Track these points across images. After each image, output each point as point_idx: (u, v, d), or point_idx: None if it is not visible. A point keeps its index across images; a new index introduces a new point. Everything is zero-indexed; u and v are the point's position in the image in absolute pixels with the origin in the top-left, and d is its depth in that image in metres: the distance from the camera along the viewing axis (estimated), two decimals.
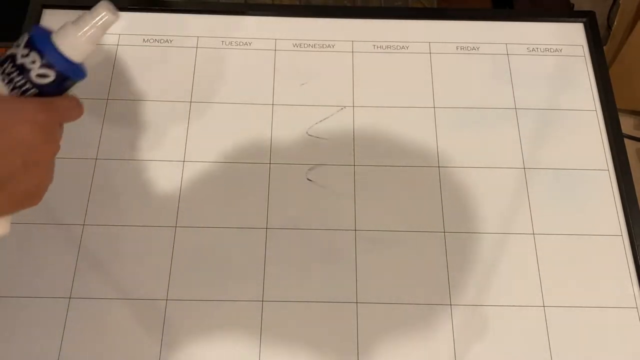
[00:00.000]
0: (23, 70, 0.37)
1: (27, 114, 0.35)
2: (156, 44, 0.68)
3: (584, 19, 0.71)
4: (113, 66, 0.66)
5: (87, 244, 0.57)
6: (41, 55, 0.38)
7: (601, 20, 1.26)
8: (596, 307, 0.56)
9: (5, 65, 0.37)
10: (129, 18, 0.70)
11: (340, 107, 0.65)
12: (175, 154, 0.62)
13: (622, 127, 0.64)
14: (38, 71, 0.37)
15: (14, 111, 0.35)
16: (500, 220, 0.59)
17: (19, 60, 0.37)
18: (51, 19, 0.69)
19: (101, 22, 0.40)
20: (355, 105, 0.65)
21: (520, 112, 0.65)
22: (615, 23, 1.17)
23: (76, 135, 0.62)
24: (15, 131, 0.34)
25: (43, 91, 0.38)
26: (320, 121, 0.64)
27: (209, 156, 0.62)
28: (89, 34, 0.40)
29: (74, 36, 0.39)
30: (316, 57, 0.68)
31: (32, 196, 0.38)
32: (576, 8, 1.11)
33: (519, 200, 0.60)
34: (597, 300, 0.56)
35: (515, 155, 0.63)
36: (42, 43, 0.38)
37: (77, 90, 0.65)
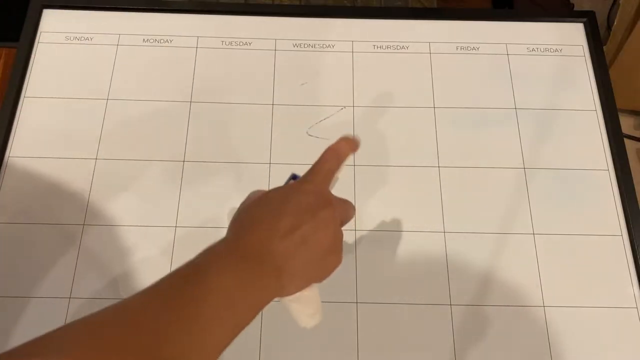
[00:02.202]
0: None
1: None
2: (156, 44, 0.68)
3: (584, 19, 0.71)
4: (113, 66, 0.66)
5: (87, 244, 0.57)
6: None
7: (601, 20, 1.26)
8: (596, 307, 0.56)
9: None
10: (129, 18, 0.70)
11: (340, 107, 0.65)
12: (175, 154, 0.62)
13: (622, 127, 0.64)
14: None
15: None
16: (500, 220, 0.59)
17: None
18: (51, 19, 0.69)
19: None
20: (355, 105, 0.65)
21: (520, 112, 0.65)
22: (615, 23, 1.17)
23: (76, 135, 0.62)
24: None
25: None
26: (320, 121, 0.64)
27: (208, 156, 0.62)
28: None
29: None
30: (316, 57, 0.68)
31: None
32: (576, 8, 1.11)
33: (519, 200, 0.60)
34: (597, 300, 0.56)
35: (515, 155, 0.63)
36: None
37: (77, 90, 0.65)
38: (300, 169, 0.62)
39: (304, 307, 0.41)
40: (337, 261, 0.40)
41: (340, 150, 0.43)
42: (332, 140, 0.63)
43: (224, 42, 0.68)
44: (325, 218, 0.37)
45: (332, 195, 0.40)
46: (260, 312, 0.55)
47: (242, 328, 0.34)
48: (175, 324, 0.30)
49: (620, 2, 1.14)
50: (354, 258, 0.57)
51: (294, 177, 0.44)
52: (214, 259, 0.35)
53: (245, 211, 0.39)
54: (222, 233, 0.58)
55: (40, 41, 0.68)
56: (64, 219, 0.58)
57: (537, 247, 0.58)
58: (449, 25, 0.70)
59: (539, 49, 0.69)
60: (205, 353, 0.31)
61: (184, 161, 0.61)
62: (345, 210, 0.42)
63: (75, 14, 0.70)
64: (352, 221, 0.58)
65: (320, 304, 0.42)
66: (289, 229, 0.36)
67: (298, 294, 0.39)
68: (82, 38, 0.68)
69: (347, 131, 0.64)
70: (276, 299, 0.38)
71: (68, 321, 0.54)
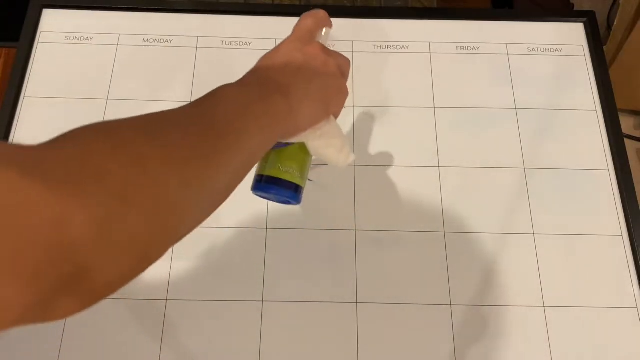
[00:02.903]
0: None
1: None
2: (156, 44, 0.68)
3: (584, 19, 0.71)
4: (113, 66, 0.66)
5: None
6: None
7: (601, 20, 1.26)
8: (596, 307, 0.56)
9: None
10: (129, 18, 0.70)
11: None
12: None
13: (622, 127, 0.64)
14: None
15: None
16: (500, 220, 0.59)
17: None
18: (51, 19, 0.69)
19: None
20: (355, 105, 0.65)
21: (520, 112, 0.65)
22: (615, 23, 1.17)
23: None
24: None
25: None
26: None
27: None
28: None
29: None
30: None
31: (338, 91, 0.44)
32: (576, 8, 1.11)
33: (519, 200, 0.60)
34: (597, 300, 0.56)
35: (515, 155, 0.63)
36: None
37: (77, 90, 0.65)
38: None
39: (329, 141, 0.43)
40: (341, 86, 0.44)
41: (315, 12, 0.46)
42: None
43: (224, 42, 0.68)
44: (314, 52, 0.42)
45: (319, 43, 0.44)
46: (260, 312, 0.56)
47: (259, 150, 0.35)
48: (193, 130, 0.32)
49: (620, 2, 1.14)
50: (354, 258, 0.57)
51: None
52: (221, 88, 0.37)
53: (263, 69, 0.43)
54: (222, 233, 0.58)
55: (40, 41, 0.68)
56: None
57: (537, 247, 0.58)
58: (449, 25, 0.70)
59: (539, 49, 0.69)
60: (220, 162, 0.31)
61: None
62: (337, 54, 0.46)
63: (75, 14, 0.70)
64: (352, 221, 0.59)
65: (345, 138, 0.44)
66: (283, 64, 0.41)
67: (317, 128, 0.42)
68: (82, 38, 0.68)
69: (347, 131, 0.64)
70: (294, 139, 0.41)
71: (69, 321, 0.54)
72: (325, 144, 0.43)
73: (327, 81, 0.42)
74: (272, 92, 0.37)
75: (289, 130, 0.38)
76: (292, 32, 0.45)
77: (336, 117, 0.44)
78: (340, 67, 0.45)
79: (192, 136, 0.31)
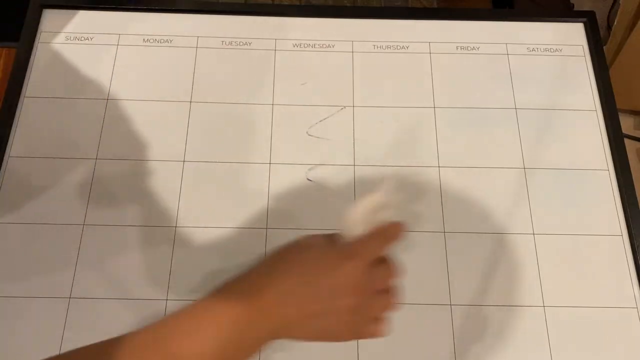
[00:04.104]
0: None
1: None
2: (156, 44, 0.68)
3: (584, 19, 0.71)
4: (113, 66, 0.66)
5: (87, 244, 0.57)
6: None
7: (601, 20, 1.26)
8: (596, 307, 0.56)
9: None
10: (129, 18, 0.70)
11: (340, 107, 0.65)
12: (175, 154, 0.62)
13: (622, 127, 0.64)
14: None
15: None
16: (500, 220, 0.59)
17: None
18: (51, 19, 0.69)
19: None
20: (355, 105, 0.65)
21: (520, 112, 0.65)
22: (615, 23, 1.17)
23: (76, 135, 0.62)
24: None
25: None
26: (320, 121, 0.64)
27: (208, 156, 0.62)
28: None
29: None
30: (316, 57, 0.68)
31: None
32: (576, 8, 1.11)
33: (519, 200, 0.60)
34: (597, 300, 0.56)
35: (515, 155, 0.63)
36: None
37: (77, 90, 0.65)
38: (300, 168, 0.62)
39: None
40: (345, 338, 0.41)
41: (390, 234, 0.41)
42: (332, 140, 0.64)
43: (224, 42, 0.68)
44: (347, 309, 0.38)
45: (374, 278, 0.39)
46: None
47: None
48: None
49: (620, 2, 1.14)
50: None
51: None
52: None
53: (281, 262, 0.39)
54: (222, 233, 0.58)
55: (40, 41, 0.68)
56: (64, 219, 0.58)
57: (537, 247, 0.58)
58: (449, 25, 0.70)
59: (539, 49, 0.69)
60: None
61: (184, 161, 0.62)
62: (383, 303, 0.40)
63: (75, 14, 0.70)
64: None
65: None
66: (309, 315, 0.38)
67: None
68: (82, 38, 0.68)
69: (347, 131, 0.63)
70: None
71: (68, 321, 0.54)
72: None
73: (329, 336, 0.41)
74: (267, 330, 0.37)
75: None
76: (359, 245, 0.39)
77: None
78: (373, 307, 0.40)
79: None
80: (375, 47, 0.69)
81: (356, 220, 0.41)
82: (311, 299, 0.37)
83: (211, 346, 0.33)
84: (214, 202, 0.60)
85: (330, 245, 0.39)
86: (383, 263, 0.41)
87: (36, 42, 0.67)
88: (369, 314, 0.40)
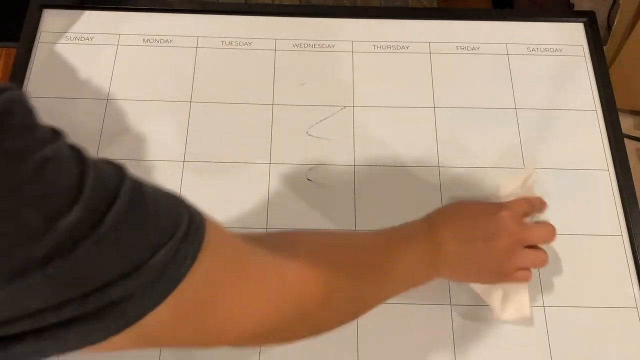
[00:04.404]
0: None
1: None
2: (156, 44, 0.68)
3: (584, 19, 0.71)
4: (113, 66, 0.66)
5: None
6: None
7: (601, 20, 1.26)
8: (596, 307, 0.56)
9: None
10: (129, 18, 0.70)
11: (340, 107, 0.65)
12: (175, 154, 0.62)
13: (622, 127, 0.64)
14: None
15: None
16: None
17: None
18: (51, 19, 0.69)
19: None
20: (355, 105, 0.65)
21: (520, 112, 0.65)
22: (615, 23, 1.17)
23: (76, 135, 0.62)
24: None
25: None
26: (320, 121, 0.64)
27: (208, 156, 0.62)
28: None
29: None
30: (316, 57, 0.68)
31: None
32: (576, 8, 1.11)
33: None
34: (597, 300, 0.56)
35: (515, 155, 0.63)
36: None
37: (77, 90, 0.65)
38: (300, 168, 0.62)
39: (488, 300, 0.52)
40: (492, 279, 0.51)
41: (537, 202, 0.53)
42: (332, 140, 0.64)
43: (224, 42, 0.68)
44: (500, 251, 0.48)
45: (526, 230, 0.50)
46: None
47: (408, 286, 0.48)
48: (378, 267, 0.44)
49: (620, 2, 1.14)
50: None
51: None
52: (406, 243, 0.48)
53: (452, 212, 0.52)
54: None
55: (40, 41, 0.68)
56: None
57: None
58: (449, 25, 0.70)
59: (539, 49, 0.69)
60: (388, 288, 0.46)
61: (184, 161, 0.62)
62: (532, 256, 0.50)
63: (75, 14, 0.70)
64: (352, 221, 0.59)
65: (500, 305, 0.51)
66: (468, 251, 0.48)
67: (477, 287, 0.52)
68: (82, 38, 0.68)
69: (347, 131, 0.63)
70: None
71: None
72: (487, 299, 0.52)
73: (483, 272, 0.50)
74: (436, 262, 0.48)
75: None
76: (514, 202, 0.51)
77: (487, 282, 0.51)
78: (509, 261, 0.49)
79: (380, 271, 0.44)
80: (375, 47, 0.69)
81: (508, 191, 0.53)
82: (472, 238, 0.48)
83: (410, 259, 0.46)
84: (214, 202, 0.59)
85: (488, 203, 0.52)
86: (538, 224, 0.52)
87: (36, 42, 0.67)
88: (518, 261, 0.49)
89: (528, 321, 0.53)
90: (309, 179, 0.61)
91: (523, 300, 0.51)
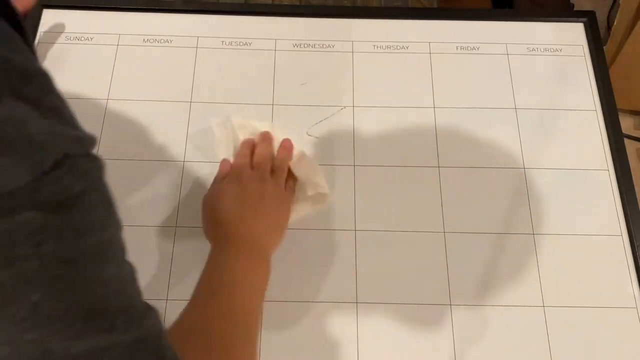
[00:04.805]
0: None
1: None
2: (156, 44, 0.68)
3: (584, 19, 0.71)
4: (113, 66, 0.66)
5: None
6: None
7: (601, 20, 1.26)
8: (596, 307, 0.56)
9: None
10: (129, 18, 0.70)
11: (340, 107, 0.65)
12: (175, 154, 0.62)
13: (622, 127, 0.64)
14: None
15: None
16: (500, 220, 0.59)
17: None
18: (51, 19, 0.69)
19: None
20: (355, 105, 0.65)
21: (520, 112, 0.65)
22: (615, 23, 1.17)
23: None
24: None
25: None
26: (320, 121, 0.64)
27: (208, 156, 0.62)
28: None
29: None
30: (316, 57, 0.68)
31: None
32: (576, 8, 1.11)
33: (519, 200, 0.60)
34: (597, 300, 0.56)
35: (515, 155, 0.63)
36: None
37: (77, 90, 0.65)
38: None
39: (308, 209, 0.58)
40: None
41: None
42: (332, 140, 0.64)
43: (224, 42, 0.68)
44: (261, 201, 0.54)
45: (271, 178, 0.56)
46: (261, 314, 0.56)
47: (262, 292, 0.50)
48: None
49: (620, 2, 1.14)
50: (354, 258, 0.57)
51: None
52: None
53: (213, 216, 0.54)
54: None
55: (40, 41, 0.68)
56: None
57: (537, 247, 0.58)
58: (449, 25, 0.70)
59: (539, 49, 0.69)
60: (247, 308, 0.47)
61: (184, 161, 0.62)
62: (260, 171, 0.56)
63: (75, 14, 0.70)
64: (352, 221, 0.59)
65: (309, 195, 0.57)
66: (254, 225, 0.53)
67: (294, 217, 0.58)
68: (82, 38, 0.68)
69: (347, 131, 0.63)
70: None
71: None
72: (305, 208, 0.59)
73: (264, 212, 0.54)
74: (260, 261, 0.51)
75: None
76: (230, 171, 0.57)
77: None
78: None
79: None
80: (375, 47, 0.69)
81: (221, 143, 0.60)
82: (248, 217, 0.52)
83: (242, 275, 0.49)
84: None
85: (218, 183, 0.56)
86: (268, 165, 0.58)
87: (36, 42, 0.67)
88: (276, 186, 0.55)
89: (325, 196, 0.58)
90: (309, 134, 0.62)
91: (319, 180, 0.57)
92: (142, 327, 0.26)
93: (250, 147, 0.59)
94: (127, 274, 0.28)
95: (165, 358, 0.28)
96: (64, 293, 0.22)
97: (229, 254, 0.50)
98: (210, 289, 0.47)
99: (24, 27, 0.25)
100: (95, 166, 0.25)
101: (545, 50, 0.69)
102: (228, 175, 0.56)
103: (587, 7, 1.05)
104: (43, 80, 0.24)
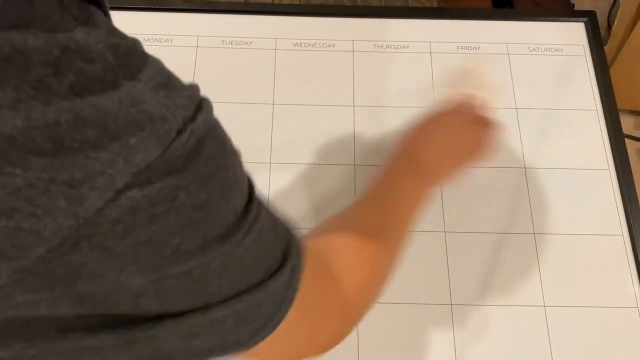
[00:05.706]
0: None
1: None
2: (156, 44, 0.68)
3: (585, 19, 0.71)
4: None
5: None
6: None
7: (601, 20, 1.26)
8: (597, 307, 0.56)
9: None
10: (129, 18, 0.69)
11: (340, 107, 0.65)
12: None
13: (622, 127, 0.64)
14: None
15: None
16: (500, 220, 0.59)
17: None
18: None
19: None
20: (355, 105, 0.65)
21: (520, 112, 0.65)
22: (615, 23, 1.17)
23: None
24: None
25: None
26: (321, 121, 0.64)
27: None
28: None
29: None
30: (316, 56, 0.68)
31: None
32: (576, 8, 1.11)
33: (519, 200, 0.60)
34: (597, 300, 0.56)
35: (515, 155, 0.63)
36: None
37: None
38: (300, 168, 0.62)
39: None
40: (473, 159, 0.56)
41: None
42: (333, 140, 0.64)
43: (224, 42, 0.68)
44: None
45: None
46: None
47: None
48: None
49: (621, 2, 1.14)
50: None
51: None
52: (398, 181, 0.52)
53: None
54: None
55: None
56: None
57: (537, 247, 0.58)
58: (449, 25, 0.70)
59: (539, 49, 0.69)
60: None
61: None
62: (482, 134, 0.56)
63: None
64: None
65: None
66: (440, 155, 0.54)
67: None
68: None
69: (347, 131, 0.63)
70: None
71: None
72: None
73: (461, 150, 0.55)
74: (427, 184, 0.52)
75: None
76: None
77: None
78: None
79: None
80: (376, 46, 0.69)
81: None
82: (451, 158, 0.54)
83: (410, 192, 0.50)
84: None
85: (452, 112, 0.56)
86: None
87: None
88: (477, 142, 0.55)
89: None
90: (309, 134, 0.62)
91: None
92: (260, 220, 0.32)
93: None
94: (247, 186, 0.32)
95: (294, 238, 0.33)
96: (200, 231, 0.25)
97: (408, 173, 0.51)
98: (379, 195, 0.50)
99: (104, 4, 0.27)
100: (207, 109, 0.27)
101: (546, 50, 0.69)
102: (460, 109, 0.56)
103: (587, 6, 1.05)
104: (141, 54, 0.26)
